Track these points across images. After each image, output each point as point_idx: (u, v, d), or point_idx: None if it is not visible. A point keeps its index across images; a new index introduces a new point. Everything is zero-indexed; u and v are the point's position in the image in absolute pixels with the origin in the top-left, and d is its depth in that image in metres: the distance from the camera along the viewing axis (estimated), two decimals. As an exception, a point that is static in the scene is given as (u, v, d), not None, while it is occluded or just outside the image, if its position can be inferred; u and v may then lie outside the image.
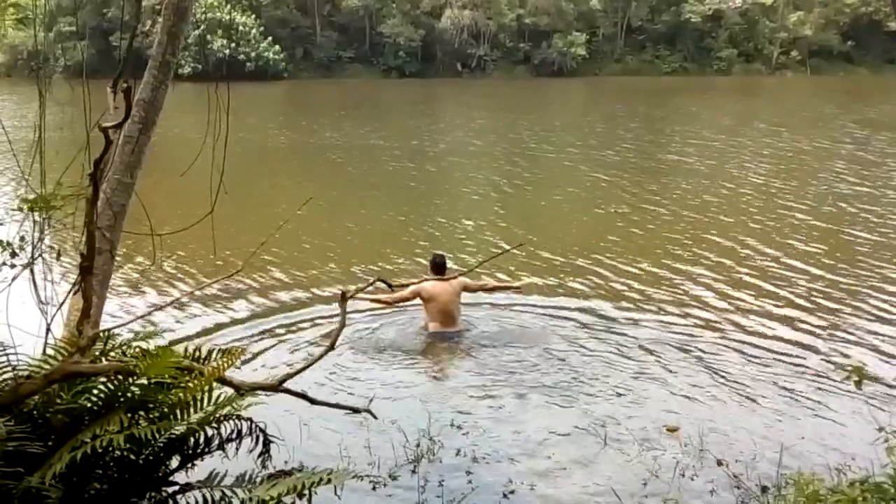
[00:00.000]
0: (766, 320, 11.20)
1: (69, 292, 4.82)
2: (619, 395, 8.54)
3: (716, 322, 11.12)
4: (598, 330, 10.71)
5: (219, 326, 10.75)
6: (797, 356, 9.74)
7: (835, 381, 8.66)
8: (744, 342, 10.23)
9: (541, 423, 7.80)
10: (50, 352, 4.09)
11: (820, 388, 8.66)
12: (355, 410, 4.80)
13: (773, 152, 29.39)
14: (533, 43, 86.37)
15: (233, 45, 72.95)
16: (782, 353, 9.81)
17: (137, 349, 4.13)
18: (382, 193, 21.35)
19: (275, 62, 77.00)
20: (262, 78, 72.64)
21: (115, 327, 4.51)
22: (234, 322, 10.99)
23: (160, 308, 10.37)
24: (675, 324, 11.04)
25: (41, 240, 4.59)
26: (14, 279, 4.58)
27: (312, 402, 4.58)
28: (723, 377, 9.04)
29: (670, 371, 9.26)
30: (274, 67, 76.78)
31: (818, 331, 10.77)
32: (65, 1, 72.31)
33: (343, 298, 4.43)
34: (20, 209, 4.25)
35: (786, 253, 14.99)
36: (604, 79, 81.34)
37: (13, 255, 4.30)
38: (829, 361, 9.51)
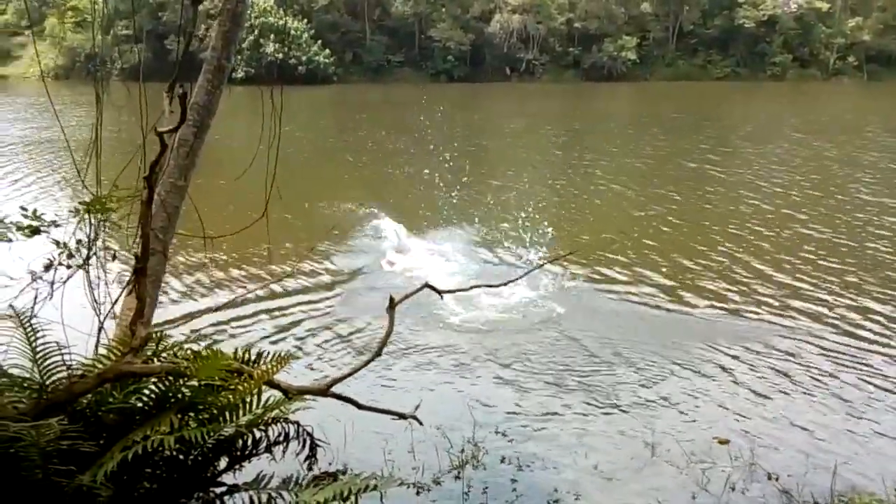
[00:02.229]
0: (827, 330, 10.94)
1: (122, 292, 4.89)
2: (669, 402, 8.43)
3: (773, 330, 10.91)
4: (649, 334, 10.60)
5: (268, 329, 10.82)
6: (857, 369, 9.51)
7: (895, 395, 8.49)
8: (801, 352, 10.03)
9: (587, 429, 7.73)
10: (103, 351, 4.15)
11: (879, 403, 8.46)
12: (401, 416, 4.80)
13: (841, 156, 28.87)
14: (583, 47, 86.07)
15: (285, 49, 73.75)
16: (842, 366, 9.59)
17: (189, 351, 4.17)
18: (440, 199, 21.33)
19: (325, 66, 77.71)
20: (312, 81, 73.33)
21: (166, 328, 4.56)
22: (284, 325, 11.05)
23: (211, 311, 10.47)
24: (730, 330, 10.86)
25: (96, 241, 4.66)
26: (68, 279, 4.66)
27: (359, 406, 4.60)
28: (777, 387, 8.88)
29: (723, 379, 9.13)
30: (324, 71, 77.49)
31: (880, 345, 10.43)
32: (122, 5, 73.76)
33: (391, 305, 4.44)
34: (77, 211, 4.33)
35: (853, 262, 14.66)
36: (655, 83, 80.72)
37: (69, 256, 4.39)
38: (889, 377, 9.29)
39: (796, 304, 12.14)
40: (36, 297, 4.54)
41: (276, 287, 11.75)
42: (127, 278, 5.04)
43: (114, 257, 4.66)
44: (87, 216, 4.39)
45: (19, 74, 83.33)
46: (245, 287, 12.51)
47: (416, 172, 24.07)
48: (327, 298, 12.36)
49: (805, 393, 8.74)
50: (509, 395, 8.65)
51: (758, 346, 10.19)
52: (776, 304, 12.16)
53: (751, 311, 11.79)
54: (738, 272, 13.97)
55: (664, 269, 14.07)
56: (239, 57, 71.33)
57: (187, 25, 4.69)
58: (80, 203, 4.31)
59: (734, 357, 9.81)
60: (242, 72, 69.15)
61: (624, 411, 8.17)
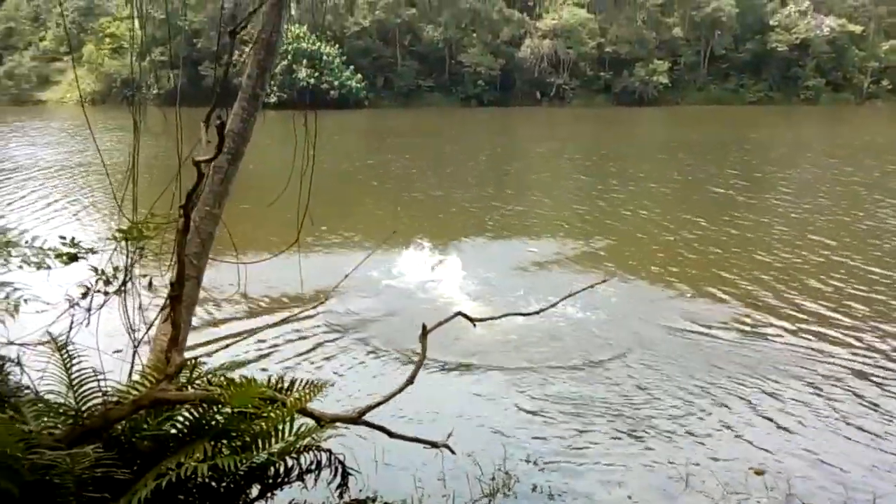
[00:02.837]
0: (859, 359, 10.76)
1: (155, 319, 4.93)
2: (701, 431, 8.33)
3: (805, 358, 10.76)
4: (677, 362, 10.50)
5: (300, 354, 10.87)
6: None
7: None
8: (837, 381, 9.87)
9: (619, 457, 7.66)
10: (138, 378, 4.18)
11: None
12: (433, 445, 4.77)
13: (871, 181, 28.53)
14: (614, 71, 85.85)
15: (317, 74, 74.43)
16: (881, 395, 9.42)
17: (222, 378, 4.19)
18: (468, 222, 21.33)
19: (356, 90, 78.25)
20: (344, 106, 73.87)
21: (200, 355, 4.59)
22: (315, 350, 11.09)
23: (244, 337, 10.53)
24: (762, 357, 10.73)
25: (132, 268, 4.71)
26: (103, 305, 4.70)
27: (391, 434, 4.58)
28: (816, 416, 8.74)
29: (755, 407, 9.01)
30: (356, 95, 78.00)
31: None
32: (158, 31, 74.88)
33: (424, 333, 4.43)
34: (114, 238, 4.38)
35: (883, 289, 14.45)
36: (686, 108, 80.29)
37: (106, 282, 4.43)
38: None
39: (827, 331, 12.00)
40: (72, 323, 4.59)
41: (308, 313, 11.75)
42: (162, 304, 5.08)
43: (150, 284, 4.69)
44: (123, 243, 4.44)
45: (57, 99, 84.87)
46: (277, 313, 12.55)
47: (444, 196, 24.17)
48: (358, 324, 12.36)
49: (841, 422, 8.60)
50: (539, 422, 8.59)
51: (791, 374, 10.08)
52: (806, 330, 12.02)
53: (780, 338, 11.68)
54: (765, 299, 13.84)
55: (690, 296, 13.97)
56: (272, 82, 72.10)
57: (223, 54, 4.74)
58: (117, 230, 4.36)
59: (768, 384, 9.68)
60: (275, 97, 69.91)
61: (656, 440, 8.08)
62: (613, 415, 8.75)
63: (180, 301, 4.35)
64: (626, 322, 12.42)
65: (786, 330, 12.08)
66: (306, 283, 10.73)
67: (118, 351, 5.28)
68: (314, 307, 10.91)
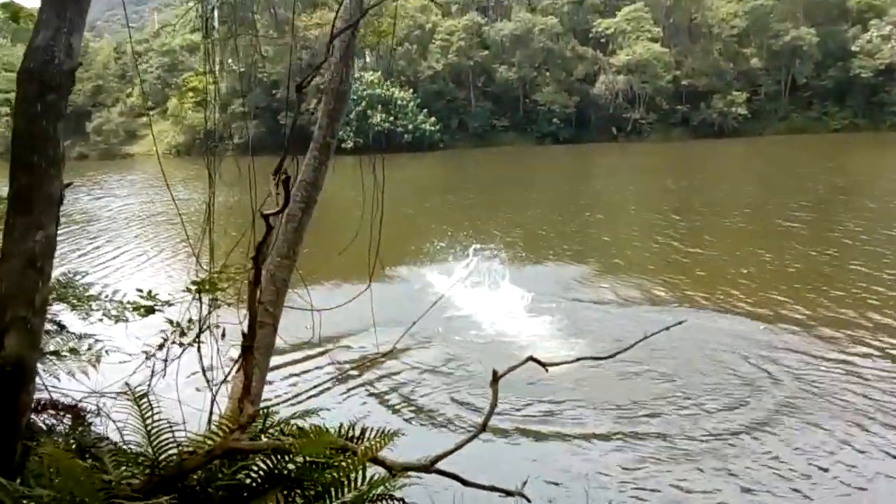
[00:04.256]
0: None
1: (231, 370, 5.00)
2: (811, 474, 8.03)
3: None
4: (762, 402, 10.21)
5: (372, 403, 10.87)
6: None
7: None
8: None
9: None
10: (213, 428, 4.23)
11: None
12: (508, 493, 4.68)
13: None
14: (691, 104, 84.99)
15: (391, 118, 75.59)
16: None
17: (294, 427, 4.21)
18: (547, 255, 21.23)
19: (431, 133, 79.08)
20: (418, 148, 74.78)
21: (275, 403, 4.63)
22: (387, 396, 11.09)
23: (316, 387, 10.60)
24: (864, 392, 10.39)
25: (208, 319, 4.80)
26: (181, 356, 4.79)
27: (465, 483, 4.51)
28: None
29: (857, 443, 8.68)
30: (430, 138, 78.83)
31: None
32: (239, 84, 77.21)
33: (494, 379, 4.38)
34: (188, 290, 4.48)
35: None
36: (768, 138, 78.69)
37: (181, 334, 4.53)
38: None
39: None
40: (152, 373, 4.69)
41: (381, 360, 11.80)
42: (238, 354, 5.15)
43: (223, 335, 4.77)
44: (198, 295, 4.54)
45: (144, 152, 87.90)
46: (348, 362, 12.54)
47: (518, 233, 24.10)
48: (430, 366, 12.34)
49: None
50: (621, 465, 8.41)
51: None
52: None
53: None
54: (846, 336, 13.40)
55: (774, 333, 13.59)
56: (347, 128, 73.48)
57: (293, 107, 4.84)
58: (191, 283, 4.46)
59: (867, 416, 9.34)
60: (351, 142, 71.17)
61: (757, 487, 7.82)
62: (704, 455, 8.51)
63: (252, 352, 4.40)
64: (700, 356, 12.19)
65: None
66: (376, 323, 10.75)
67: (199, 390, 5.38)
68: (383, 356, 10.95)
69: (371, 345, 12.66)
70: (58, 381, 4.88)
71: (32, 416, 4.48)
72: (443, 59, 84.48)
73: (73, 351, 4.88)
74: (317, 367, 12.62)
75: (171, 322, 4.59)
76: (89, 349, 4.92)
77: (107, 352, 4.93)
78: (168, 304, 4.73)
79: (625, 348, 4.35)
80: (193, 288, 4.43)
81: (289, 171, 3.93)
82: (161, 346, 4.53)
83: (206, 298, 4.61)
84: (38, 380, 4.91)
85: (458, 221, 28.91)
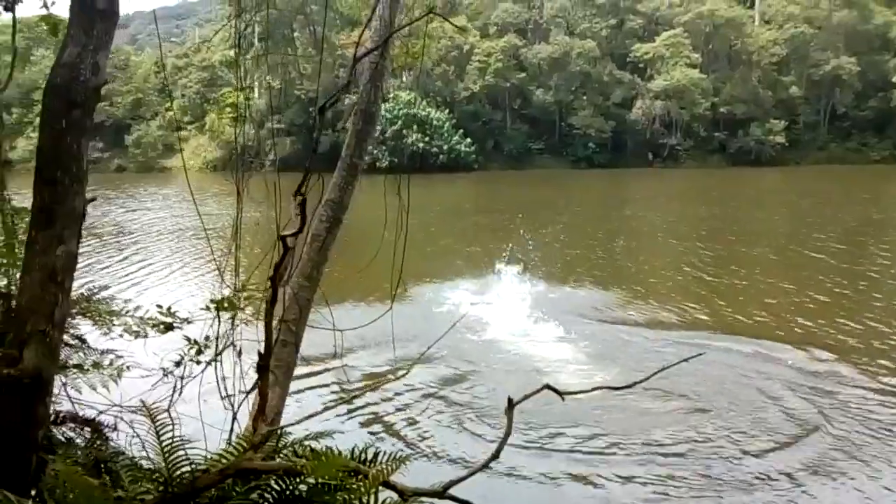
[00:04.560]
0: None
1: (253, 387, 5.01)
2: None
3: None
4: (809, 444, 9.99)
5: (387, 425, 10.80)
6: None
7: None
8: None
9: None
10: (228, 447, 4.24)
11: None
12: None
13: None
14: (729, 131, 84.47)
15: (427, 138, 75.85)
16: None
17: (308, 448, 4.21)
18: (572, 282, 21.13)
19: (466, 154, 79.09)
20: (453, 169, 74.91)
21: (288, 424, 4.63)
22: (402, 417, 11.02)
23: (330, 408, 10.56)
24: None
25: (230, 336, 4.81)
26: (200, 373, 4.81)
27: (478, 510, 4.49)
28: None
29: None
30: (465, 159, 78.83)
31: None
32: (276, 100, 78.07)
33: (509, 406, 4.35)
34: (207, 309, 4.51)
35: None
36: (806, 167, 77.87)
37: (199, 352, 4.55)
38: None
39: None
40: (174, 390, 4.71)
41: (396, 382, 11.74)
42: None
43: (239, 354, 4.79)
44: (216, 313, 4.57)
45: (181, 166, 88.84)
46: (365, 381, 12.45)
47: (546, 254, 24.01)
48: (447, 388, 12.27)
49: None
50: (647, 492, 8.30)
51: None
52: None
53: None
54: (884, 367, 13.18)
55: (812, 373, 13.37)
56: (382, 147, 73.94)
57: (320, 127, 4.88)
58: (210, 300, 4.49)
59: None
60: (386, 161, 71.59)
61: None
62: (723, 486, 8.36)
63: (267, 371, 4.42)
64: (727, 380, 12.05)
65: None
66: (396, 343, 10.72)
67: (226, 408, 5.39)
68: (401, 376, 10.91)
69: (389, 365, 12.66)
70: (79, 394, 4.92)
71: (53, 428, 4.52)
72: (479, 80, 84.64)
73: (96, 365, 4.92)
74: (333, 386, 12.54)
75: (188, 339, 4.62)
76: (111, 364, 4.95)
77: (128, 367, 4.96)
78: (187, 321, 4.76)
79: (643, 379, 4.29)
80: (212, 306, 4.47)
81: (311, 191, 3.95)
82: (178, 364, 4.56)
83: (227, 316, 4.64)
84: (60, 392, 4.97)
85: (485, 242, 28.87)
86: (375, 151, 74.19)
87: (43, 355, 3.64)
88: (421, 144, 75.31)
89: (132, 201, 49.49)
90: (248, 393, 5.20)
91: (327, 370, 12.67)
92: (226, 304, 4.37)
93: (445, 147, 77.49)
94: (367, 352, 13.40)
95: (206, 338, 4.63)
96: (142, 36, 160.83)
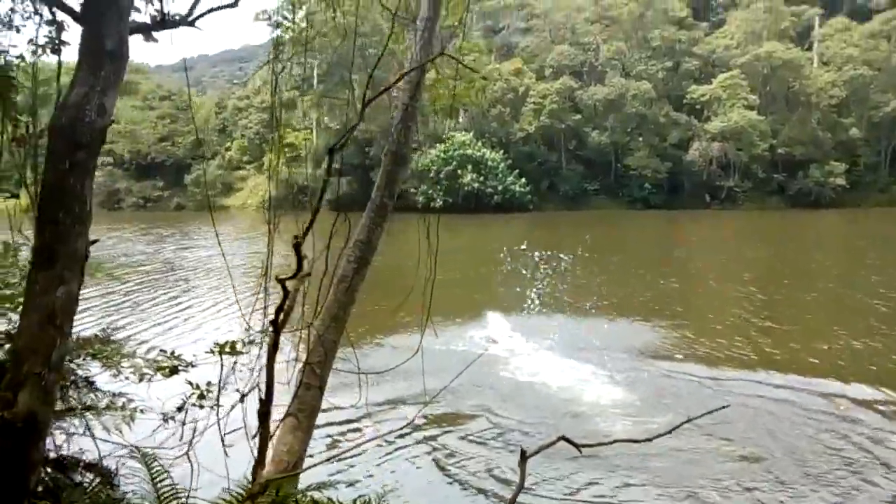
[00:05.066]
0: None
1: (253, 435, 4.90)
2: None
3: None
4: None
5: (407, 469, 10.52)
6: None
7: None
8: None
9: None
10: (226, 496, 4.12)
11: None
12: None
13: None
14: (787, 173, 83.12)
15: (481, 179, 75.97)
16: None
17: (310, 499, 4.08)
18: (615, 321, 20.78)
19: (521, 194, 78.93)
20: (508, 209, 74.86)
21: (288, 475, 4.50)
22: (423, 467, 10.73)
23: (344, 452, 10.34)
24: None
25: (241, 379, 4.73)
26: (202, 419, 4.72)
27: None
28: None
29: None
30: (520, 199, 78.66)
31: None
32: (332, 141, 78.99)
33: (523, 458, 4.17)
34: (212, 352, 4.43)
35: None
36: (867, 210, 76.03)
37: (201, 396, 4.47)
38: None
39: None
40: (193, 434, 4.63)
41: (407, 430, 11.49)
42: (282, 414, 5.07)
43: (241, 399, 4.68)
44: (220, 357, 4.49)
45: (239, 205, 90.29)
46: (379, 427, 12.06)
47: (592, 295, 23.68)
48: (472, 437, 11.96)
49: None
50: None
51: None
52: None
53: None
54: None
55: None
56: (437, 186, 74.26)
57: (329, 172, 4.80)
58: (215, 344, 4.41)
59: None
60: (441, 201, 71.90)
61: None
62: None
63: (268, 418, 4.30)
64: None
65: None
66: (414, 382, 10.47)
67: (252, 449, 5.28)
68: (409, 424, 10.71)
69: (413, 404, 12.36)
70: (91, 438, 4.87)
71: (58, 472, 4.46)
72: (535, 121, 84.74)
73: (108, 408, 4.88)
74: (356, 429, 12.20)
75: (190, 384, 4.55)
76: (123, 407, 4.91)
77: (141, 410, 4.90)
78: (192, 364, 4.70)
79: (666, 431, 4.08)
80: (215, 350, 4.39)
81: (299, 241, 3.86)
82: (180, 409, 4.49)
83: (249, 356, 4.56)
84: (76, 432, 4.92)
85: (528, 283, 28.56)
86: (430, 191, 74.59)
87: (37, 399, 3.58)
88: (476, 185, 75.46)
89: (186, 239, 50.27)
90: (253, 437, 5.08)
91: (346, 417, 12.35)
92: (227, 349, 4.28)
93: (500, 187, 77.44)
94: (393, 397, 13.10)
95: (209, 382, 4.55)
96: (206, 78, 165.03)
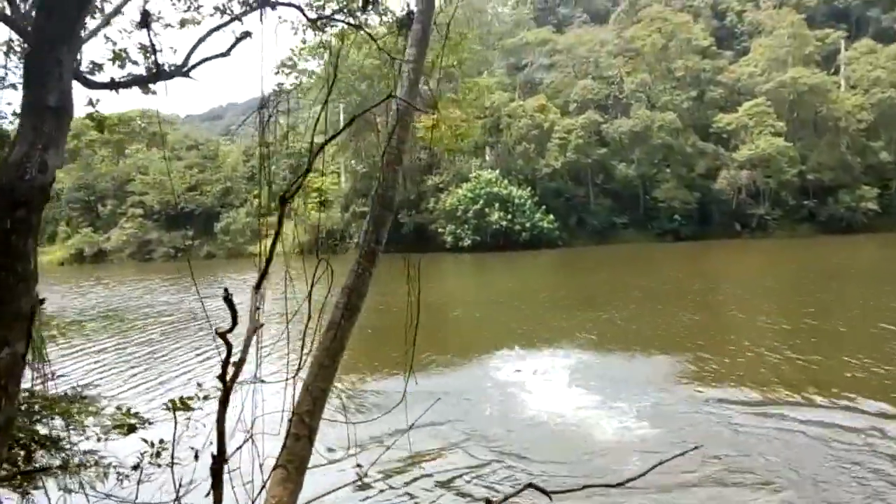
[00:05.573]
0: None
1: (207, 493, 4.76)
2: None
3: None
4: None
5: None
6: None
7: None
8: None
9: None
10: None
11: None
12: None
13: None
14: (818, 199, 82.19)
15: (509, 216, 75.85)
16: None
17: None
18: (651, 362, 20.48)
19: (549, 231, 78.64)
20: (536, 246, 74.62)
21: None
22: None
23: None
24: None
25: (180, 438, 4.63)
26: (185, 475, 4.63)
27: None
28: None
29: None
30: (548, 235, 78.36)
31: None
32: (359, 184, 79.69)
33: (488, 510, 4.03)
34: (166, 408, 4.35)
35: None
36: (900, 235, 74.64)
37: (157, 454, 4.38)
38: None
39: None
40: (145, 493, 4.54)
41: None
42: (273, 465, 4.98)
43: (196, 457, 4.59)
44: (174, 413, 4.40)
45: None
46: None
47: (610, 329, 23.41)
48: (468, 473, 11.77)
49: None
50: None
51: None
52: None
53: None
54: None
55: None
56: (465, 226, 74.30)
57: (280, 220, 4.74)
58: (169, 401, 4.33)
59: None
60: (469, 240, 72.00)
61: None
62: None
63: (221, 476, 4.20)
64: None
65: None
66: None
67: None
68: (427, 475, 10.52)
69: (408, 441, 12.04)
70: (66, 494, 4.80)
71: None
72: (561, 156, 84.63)
73: (80, 466, 4.80)
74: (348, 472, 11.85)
75: (145, 441, 4.46)
76: (96, 464, 4.83)
77: (114, 466, 4.82)
78: (149, 422, 4.62)
79: (637, 476, 3.91)
80: (169, 406, 4.31)
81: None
82: (135, 468, 4.40)
83: (181, 418, 4.47)
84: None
85: (545, 320, 28.35)
86: (458, 231, 74.65)
87: (-21, 464, 3.51)
88: (504, 222, 75.36)
89: (211, 287, 50.49)
90: (206, 495, 4.95)
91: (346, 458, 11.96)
92: (178, 405, 4.19)
93: (528, 224, 77.23)
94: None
95: (161, 440, 4.46)
96: (233, 127, 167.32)
